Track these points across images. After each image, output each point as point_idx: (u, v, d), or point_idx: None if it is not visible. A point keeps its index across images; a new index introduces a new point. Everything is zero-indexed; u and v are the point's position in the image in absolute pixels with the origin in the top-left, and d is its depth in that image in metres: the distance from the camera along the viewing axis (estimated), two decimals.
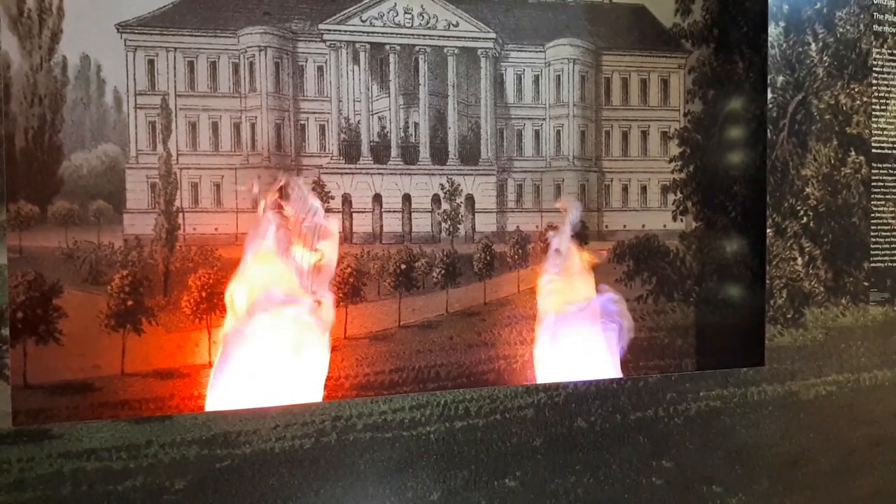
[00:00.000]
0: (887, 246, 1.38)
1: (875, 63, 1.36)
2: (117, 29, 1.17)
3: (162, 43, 1.20)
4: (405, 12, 1.32)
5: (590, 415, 1.17)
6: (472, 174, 1.38)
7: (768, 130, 1.29)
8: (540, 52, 1.40)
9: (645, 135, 1.47)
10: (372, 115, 1.32)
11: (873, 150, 1.36)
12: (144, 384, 1.17)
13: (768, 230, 1.30)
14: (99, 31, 1.16)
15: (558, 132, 1.42)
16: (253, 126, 1.25)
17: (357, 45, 1.31)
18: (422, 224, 1.35)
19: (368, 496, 1.05)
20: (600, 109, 1.45)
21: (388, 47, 1.33)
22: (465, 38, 1.36)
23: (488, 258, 1.37)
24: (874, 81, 1.36)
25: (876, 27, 1.36)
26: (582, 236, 1.41)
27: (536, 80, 1.41)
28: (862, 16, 1.34)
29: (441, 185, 1.36)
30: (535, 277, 1.36)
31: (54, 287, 1.13)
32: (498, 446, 1.12)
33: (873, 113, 1.36)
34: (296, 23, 1.27)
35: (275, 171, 1.25)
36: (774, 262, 1.30)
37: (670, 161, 1.48)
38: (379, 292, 1.31)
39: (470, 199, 1.38)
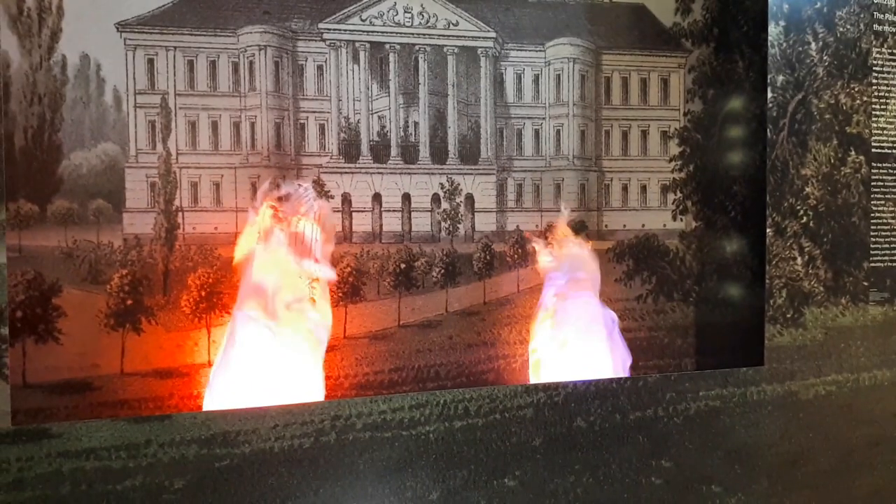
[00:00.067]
0: (887, 246, 1.37)
1: (875, 62, 1.36)
2: (117, 28, 1.17)
3: (161, 42, 1.20)
4: (405, 11, 1.32)
5: (589, 414, 1.17)
6: (471, 173, 1.38)
7: (768, 130, 1.29)
8: (540, 51, 1.40)
9: (645, 134, 1.47)
10: (372, 114, 1.32)
11: (873, 150, 1.36)
12: (144, 383, 1.17)
13: (768, 230, 1.30)
14: (98, 30, 1.16)
15: (558, 131, 1.42)
16: (252, 125, 1.25)
17: (357, 45, 1.31)
18: (421, 223, 1.35)
19: (368, 496, 1.05)
20: (600, 109, 1.45)
21: (387, 46, 1.32)
22: (464, 37, 1.36)
23: (488, 257, 1.37)
24: (874, 81, 1.36)
25: (876, 27, 1.35)
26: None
27: (536, 79, 1.41)
28: (862, 15, 1.34)
29: (441, 184, 1.36)
30: (534, 277, 1.36)
31: (54, 286, 1.13)
32: (497, 446, 1.12)
33: (873, 112, 1.36)
34: (295, 22, 1.27)
35: (274, 170, 1.25)
36: (774, 262, 1.30)
37: (670, 160, 1.48)
38: (378, 292, 1.31)
39: (470, 199, 1.38)
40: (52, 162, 1.14)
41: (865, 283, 1.36)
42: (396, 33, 1.32)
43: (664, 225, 1.48)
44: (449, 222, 1.36)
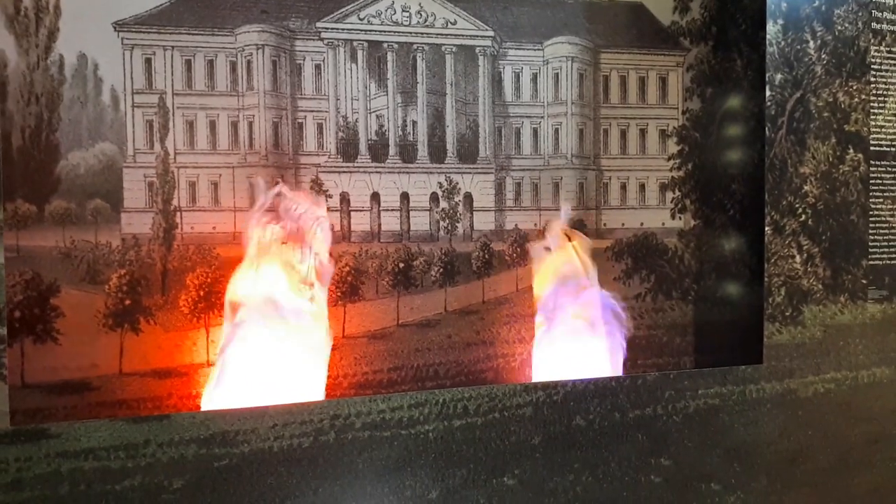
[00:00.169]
0: (885, 243, 1.38)
1: (873, 61, 1.36)
2: (114, 27, 1.17)
3: (159, 41, 1.20)
4: (403, 10, 1.32)
5: (588, 413, 1.17)
6: (470, 172, 1.37)
7: (766, 128, 1.29)
8: (538, 49, 1.40)
9: (643, 133, 1.47)
10: (370, 113, 1.32)
11: (871, 148, 1.36)
12: (142, 383, 1.17)
13: (767, 228, 1.30)
14: (96, 29, 1.15)
15: (556, 130, 1.42)
16: (250, 124, 1.25)
17: (355, 44, 1.31)
18: (420, 222, 1.35)
19: (367, 495, 1.05)
20: (598, 107, 1.45)
21: (385, 45, 1.32)
22: (463, 35, 1.36)
23: (487, 257, 1.37)
24: (872, 79, 1.36)
25: (874, 25, 1.35)
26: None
27: (535, 78, 1.41)
28: (860, 13, 1.34)
29: (439, 183, 1.36)
30: (533, 276, 1.36)
31: (52, 286, 1.13)
32: (496, 445, 1.12)
33: (871, 110, 1.36)
34: (293, 21, 1.27)
35: (273, 169, 1.25)
36: (773, 260, 1.30)
37: (669, 159, 1.48)
38: (377, 291, 1.31)
39: (468, 198, 1.38)
40: (49, 162, 1.14)
41: (864, 281, 1.36)
42: (394, 32, 1.32)
43: (663, 223, 1.48)
44: (447, 221, 1.36)
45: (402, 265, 1.32)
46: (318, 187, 1.28)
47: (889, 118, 1.37)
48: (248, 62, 1.24)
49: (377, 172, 1.33)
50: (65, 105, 1.14)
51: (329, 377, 1.21)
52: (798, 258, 1.32)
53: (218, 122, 1.23)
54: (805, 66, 1.32)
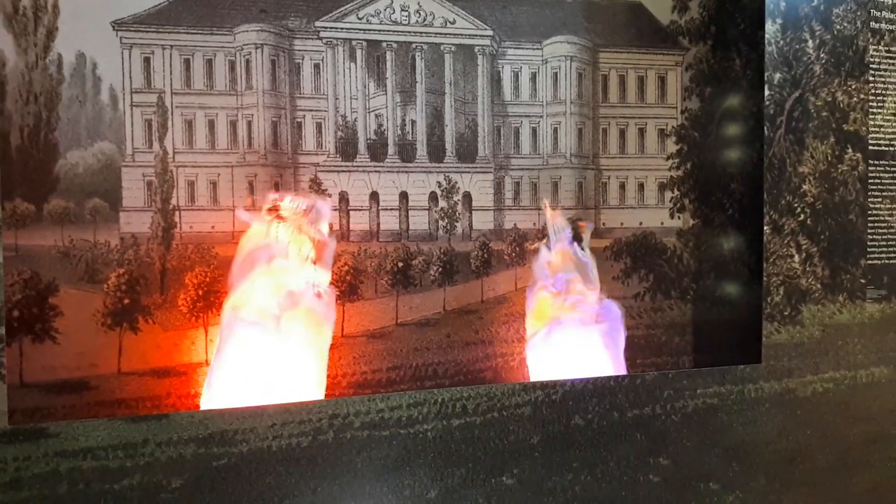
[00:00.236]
0: (884, 243, 1.38)
1: (872, 60, 1.36)
2: (113, 26, 1.17)
3: (158, 40, 1.20)
4: (402, 9, 1.32)
5: (587, 412, 1.17)
6: (469, 172, 1.37)
7: (765, 127, 1.29)
8: (537, 49, 1.40)
9: (642, 132, 1.47)
10: (369, 112, 1.32)
11: (870, 147, 1.36)
12: (141, 383, 1.17)
13: (765, 227, 1.30)
14: (95, 28, 1.15)
15: (555, 130, 1.42)
16: (249, 124, 1.25)
17: (354, 43, 1.31)
18: (419, 222, 1.35)
19: (366, 494, 1.05)
20: (597, 107, 1.45)
21: (384, 45, 1.32)
22: (461, 35, 1.36)
23: (485, 256, 1.37)
24: (871, 78, 1.36)
25: (873, 24, 1.35)
26: (577, 235, 1.41)
27: (533, 77, 1.41)
28: (859, 13, 1.34)
29: (438, 182, 1.36)
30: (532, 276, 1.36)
31: (50, 285, 1.13)
32: (495, 444, 1.12)
33: (870, 110, 1.36)
34: (292, 20, 1.27)
35: (271, 168, 1.25)
36: (771, 260, 1.30)
37: (667, 158, 1.48)
38: (376, 290, 1.31)
39: (467, 197, 1.38)
40: (48, 161, 1.14)
41: (862, 281, 1.36)
42: (393, 31, 1.32)
43: (662, 223, 1.48)
44: (446, 221, 1.36)
45: (400, 264, 1.32)
46: (316, 186, 1.28)
47: (888, 118, 1.37)
48: (247, 61, 1.24)
49: (376, 172, 1.33)
50: (63, 104, 1.14)
51: (328, 376, 1.21)
52: (797, 257, 1.32)
53: (217, 121, 1.23)
54: (804, 66, 1.32)
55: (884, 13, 1.36)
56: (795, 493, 1.31)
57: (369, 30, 1.31)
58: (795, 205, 1.32)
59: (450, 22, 1.35)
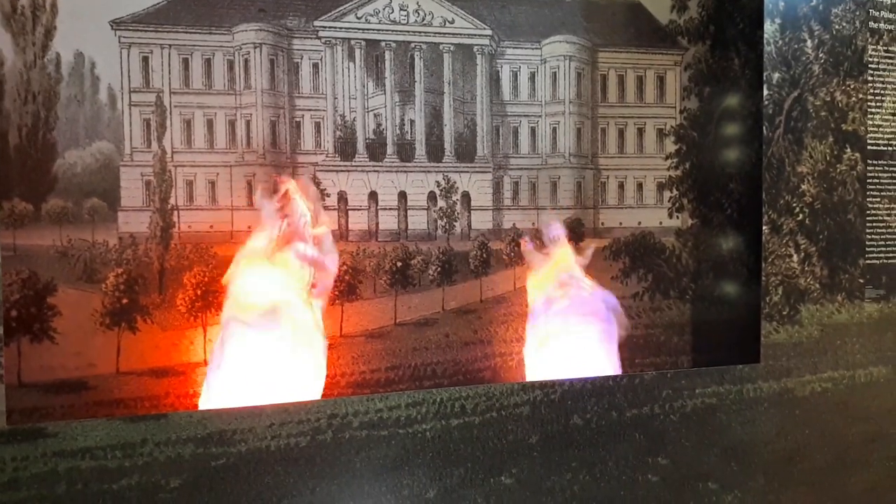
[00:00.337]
0: (882, 243, 1.38)
1: (871, 60, 1.36)
2: (111, 26, 1.16)
3: (156, 40, 1.20)
4: (400, 9, 1.32)
5: (586, 412, 1.17)
6: (468, 171, 1.37)
7: (764, 127, 1.29)
8: (536, 48, 1.40)
9: (641, 132, 1.47)
10: (367, 112, 1.32)
11: (869, 147, 1.36)
12: (139, 382, 1.17)
13: (764, 227, 1.30)
14: (93, 27, 1.15)
15: (554, 129, 1.42)
16: (248, 123, 1.25)
17: (352, 42, 1.31)
18: (418, 221, 1.35)
19: (364, 494, 1.05)
20: (596, 106, 1.45)
21: (383, 44, 1.32)
22: (460, 34, 1.36)
23: (484, 255, 1.37)
24: (870, 78, 1.36)
25: (871, 24, 1.36)
26: (577, 234, 1.41)
27: (532, 77, 1.41)
28: (857, 12, 1.34)
29: (437, 182, 1.36)
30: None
31: (48, 285, 1.13)
32: (494, 444, 1.12)
33: (869, 110, 1.36)
34: (291, 19, 1.27)
35: (270, 168, 1.25)
36: (770, 259, 1.31)
37: (666, 158, 1.48)
38: (375, 290, 1.31)
39: (466, 197, 1.37)
40: (46, 160, 1.14)
41: (861, 281, 1.37)
42: (392, 31, 1.32)
43: (660, 222, 1.48)
44: (445, 220, 1.36)
45: (399, 264, 1.32)
46: (315, 186, 1.28)
47: (886, 117, 1.37)
48: (246, 61, 1.24)
49: (375, 171, 1.33)
50: (62, 103, 1.14)
51: (327, 376, 1.21)
52: (795, 257, 1.32)
53: (215, 120, 1.23)
54: (803, 66, 1.32)
55: (882, 13, 1.36)
56: (794, 492, 1.31)
57: (368, 29, 1.31)
58: (794, 204, 1.32)
59: (449, 21, 1.35)
